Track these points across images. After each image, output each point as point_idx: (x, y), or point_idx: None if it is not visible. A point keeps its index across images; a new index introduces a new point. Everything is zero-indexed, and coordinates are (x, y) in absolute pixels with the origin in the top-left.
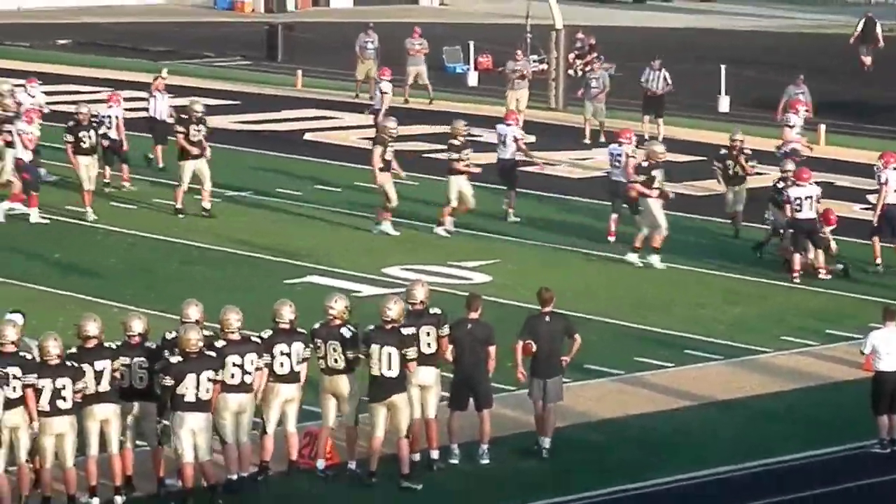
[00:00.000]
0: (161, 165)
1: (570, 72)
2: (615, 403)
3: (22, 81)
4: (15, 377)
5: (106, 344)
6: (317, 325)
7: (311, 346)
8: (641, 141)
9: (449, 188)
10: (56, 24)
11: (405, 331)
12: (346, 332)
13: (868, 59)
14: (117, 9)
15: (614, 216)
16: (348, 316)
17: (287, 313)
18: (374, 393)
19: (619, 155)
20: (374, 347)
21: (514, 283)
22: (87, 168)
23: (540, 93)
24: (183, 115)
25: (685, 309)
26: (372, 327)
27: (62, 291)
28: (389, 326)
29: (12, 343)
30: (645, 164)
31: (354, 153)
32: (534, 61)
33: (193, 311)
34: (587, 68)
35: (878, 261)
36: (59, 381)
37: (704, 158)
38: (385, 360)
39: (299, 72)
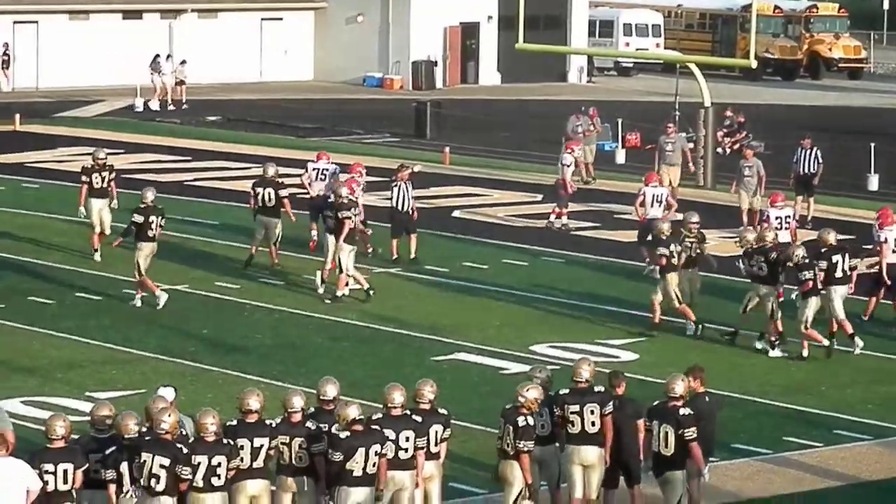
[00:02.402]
0: (394, 257)
1: (719, 150)
2: (763, 483)
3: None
4: None
5: (267, 421)
6: (508, 406)
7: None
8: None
9: (803, 308)
10: (205, 100)
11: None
12: (521, 421)
13: None
14: (265, 85)
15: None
16: (536, 408)
17: (427, 393)
18: None
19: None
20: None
21: (661, 361)
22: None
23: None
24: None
25: (833, 389)
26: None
27: (211, 367)
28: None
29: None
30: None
31: (502, 230)
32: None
33: (331, 389)
34: (735, 146)
35: None
36: (216, 459)
37: (854, 237)
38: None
39: (447, 149)
